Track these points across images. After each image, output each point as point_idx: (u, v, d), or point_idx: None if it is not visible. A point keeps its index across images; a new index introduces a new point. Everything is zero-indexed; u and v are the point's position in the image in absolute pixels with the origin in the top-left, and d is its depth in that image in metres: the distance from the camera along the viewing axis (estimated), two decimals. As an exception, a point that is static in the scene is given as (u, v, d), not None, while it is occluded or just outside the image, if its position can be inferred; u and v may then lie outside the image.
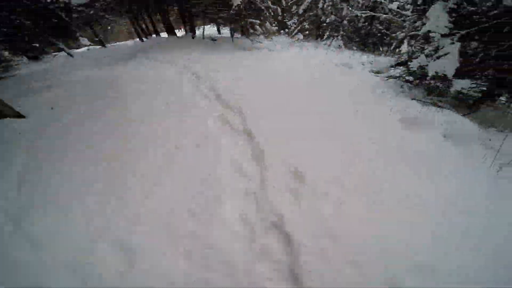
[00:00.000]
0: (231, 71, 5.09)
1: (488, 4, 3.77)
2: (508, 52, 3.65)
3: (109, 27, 17.93)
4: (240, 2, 7.82)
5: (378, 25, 15.81)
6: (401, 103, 3.79)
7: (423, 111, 3.52)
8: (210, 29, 14.84)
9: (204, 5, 8.95)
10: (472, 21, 4.11)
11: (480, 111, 4.22)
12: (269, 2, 13.36)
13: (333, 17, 14.46)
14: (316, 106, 3.44)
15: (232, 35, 9.41)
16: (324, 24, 15.02)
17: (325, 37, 15.28)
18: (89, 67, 8.25)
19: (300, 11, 16.91)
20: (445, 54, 3.66)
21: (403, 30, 6.21)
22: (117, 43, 17.53)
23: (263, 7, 8.36)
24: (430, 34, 3.88)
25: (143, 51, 9.21)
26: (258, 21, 8.25)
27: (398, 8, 11.53)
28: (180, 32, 16.80)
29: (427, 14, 3.91)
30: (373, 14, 13.42)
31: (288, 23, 16.95)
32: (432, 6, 3.94)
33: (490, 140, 3.07)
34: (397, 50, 9.81)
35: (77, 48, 13.49)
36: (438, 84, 4.11)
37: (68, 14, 9.74)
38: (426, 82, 4.24)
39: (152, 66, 6.81)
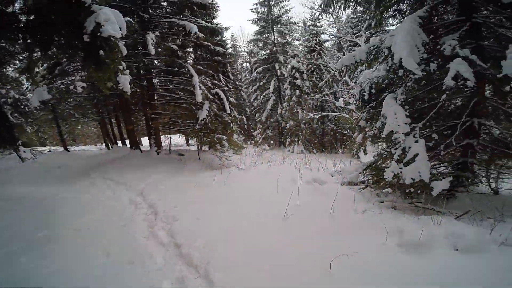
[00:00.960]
0: (198, 203, 4.44)
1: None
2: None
3: (79, 126, 17.66)
4: (206, 115, 8.03)
5: (329, 123, 17.88)
6: (389, 221, 3.33)
7: (415, 225, 3.08)
8: (179, 139, 15.15)
9: (169, 117, 9.14)
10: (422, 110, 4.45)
11: (456, 199, 4.12)
12: (235, 113, 14.66)
13: (291, 122, 16.10)
14: (305, 260, 2.65)
15: (199, 152, 9.21)
16: (285, 130, 16.53)
17: (287, 143, 16.53)
18: (33, 179, 7.12)
19: (263, 118, 18.81)
20: (415, 156, 3.60)
21: (360, 130, 6.49)
22: (82, 147, 16.88)
23: (229, 120, 8.76)
24: (392, 136, 3.92)
25: (103, 165, 8.51)
26: (225, 137, 8.35)
27: (345, 104, 12.87)
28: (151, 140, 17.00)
29: (383, 112, 4.00)
30: (324, 114, 15.23)
31: (254, 133, 18.47)
32: (385, 101, 4.07)
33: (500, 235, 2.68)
34: (357, 153, 10.47)
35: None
36: (418, 191, 3.89)
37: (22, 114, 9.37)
38: (406, 191, 4.02)
39: (105, 189, 5.98)
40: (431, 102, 4.40)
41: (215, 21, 10.75)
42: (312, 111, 15.69)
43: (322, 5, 5.03)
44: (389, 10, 4.95)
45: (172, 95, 8.92)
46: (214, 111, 8.48)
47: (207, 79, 10.23)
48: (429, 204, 3.81)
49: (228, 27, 10.31)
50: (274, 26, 18.95)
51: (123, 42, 6.34)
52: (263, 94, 18.92)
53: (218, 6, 9.29)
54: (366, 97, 5.14)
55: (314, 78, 16.63)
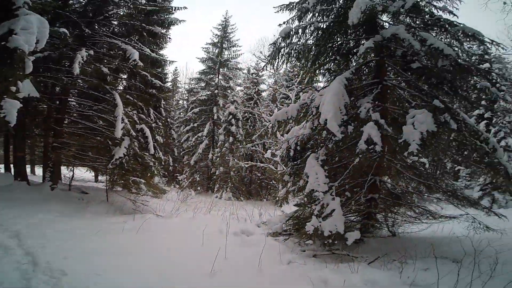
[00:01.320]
0: (100, 254, 3.48)
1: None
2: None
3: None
4: (124, 154, 7.06)
5: (256, 172, 18.41)
6: (313, 272, 3.39)
7: (336, 275, 3.23)
8: (86, 174, 12.76)
9: (77, 148, 7.64)
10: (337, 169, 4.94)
11: (365, 243, 4.54)
12: (161, 153, 13.61)
13: (221, 168, 15.94)
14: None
15: (107, 193, 7.57)
16: (215, 176, 16.12)
17: (215, 189, 16.01)
18: None
19: (192, 162, 18.04)
20: (332, 211, 3.90)
21: (283, 184, 6.77)
22: None
23: (151, 163, 7.92)
24: (313, 194, 4.16)
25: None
26: (143, 180, 7.38)
27: (272, 156, 13.50)
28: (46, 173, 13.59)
29: (306, 171, 4.28)
30: (253, 163, 15.71)
31: (180, 177, 17.30)
32: (308, 161, 4.39)
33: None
34: (280, 203, 10.77)
35: None
36: (335, 242, 4.09)
37: None
38: (325, 242, 4.21)
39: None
40: (344, 161, 4.93)
41: (162, 51, 10.51)
42: (243, 160, 16.02)
43: (269, 57, 5.37)
44: (321, 68, 5.69)
45: (87, 124, 7.63)
46: (134, 150, 7.61)
47: (134, 112, 9.44)
48: (345, 251, 4.08)
49: (172, 61, 10.02)
50: (221, 69, 19.43)
51: (40, 56, 5.36)
52: (196, 136, 18.53)
53: (170, 38, 9.22)
54: (291, 154, 5.44)
55: (248, 126, 17.41)
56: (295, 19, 5.46)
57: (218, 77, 19.12)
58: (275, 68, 6.10)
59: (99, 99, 7.79)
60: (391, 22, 5.21)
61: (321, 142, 4.66)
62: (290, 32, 5.27)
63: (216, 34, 19.74)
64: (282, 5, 5.46)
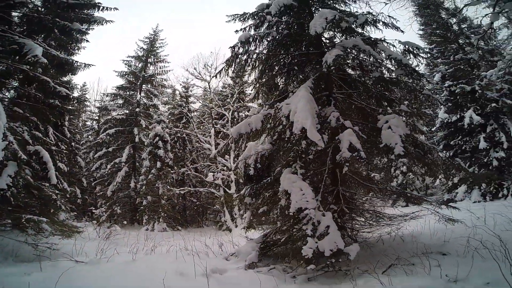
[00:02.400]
0: None
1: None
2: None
3: None
4: (8, 185, 4.92)
5: (192, 198, 16.53)
6: None
7: None
8: None
9: None
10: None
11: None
12: (65, 184, 10.44)
13: (149, 197, 13.50)
14: None
15: None
16: (142, 207, 13.39)
17: (144, 221, 13.27)
18: None
19: (109, 193, 14.69)
20: (327, 228, 3.61)
21: (245, 207, 5.86)
22: None
23: (53, 195, 5.69)
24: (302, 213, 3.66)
25: None
26: (44, 219, 5.16)
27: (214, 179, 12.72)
28: None
29: (285, 188, 3.83)
30: (190, 189, 13.96)
31: (96, 210, 13.61)
32: (284, 177, 3.92)
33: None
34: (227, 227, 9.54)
35: None
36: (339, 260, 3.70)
37: None
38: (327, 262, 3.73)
39: None
40: (317, 173, 4.57)
41: (75, 58, 8.08)
42: (176, 186, 14.08)
43: (226, 62, 4.92)
44: (275, 79, 5.42)
45: None
46: (26, 179, 5.44)
47: (25, 129, 6.86)
48: (336, 267, 3.72)
49: (89, 64, 7.33)
50: (144, 85, 17.09)
51: None
52: (112, 163, 15.38)
53: (87, 41, 7.16)
54: (251, 172, 4.88)
55: (176, 149, 15.67)
56: (251, 28, 5.22)
57: (140, 93, 16.71)
58: (228, 74, 5.42)
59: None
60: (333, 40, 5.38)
61: (299, 155, 4.05)
62: (250, 38, 4.94)
63: (142, 47, 17.64)
64: (235, 14, 5.28)
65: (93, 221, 12.92)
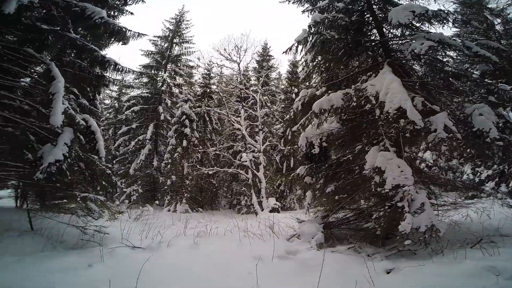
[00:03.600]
0: None
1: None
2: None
3: None
4: (65, 156, 4.51)
5: (212, 180, 16.26)
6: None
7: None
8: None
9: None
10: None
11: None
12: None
13: (174, 177, 13.44)
14: None
15: (30, 218, 4.77)
16: (165, 187, 13.33)
17: (166, 201, 13.23)
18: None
19: (132, 171, 14.56)
20: (422, 205, 3.66)
21: (305, 187, 5.75)
22: None
23: (108, 171, 5.54)
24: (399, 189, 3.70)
25: None
26: (101, 197, 4.94)
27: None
28: None
29: (378, 165, 3.74)
30: (220, 169, 13.79)
31: (126, 190, 13.54)
32: (377, 154, 3.89)
33: None
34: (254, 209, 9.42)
35: None
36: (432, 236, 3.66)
37: None
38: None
39: None
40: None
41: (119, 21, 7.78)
42: (207, 166, 13.97)
43: (297, 41, 4.88)
44: (342, 61, 5.36)
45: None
46: (76, 151, 5.06)
47: (72, 97, 6.67)
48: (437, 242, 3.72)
49: (142, 33, 6.63)
50: (169, 65, 16.85)
51: None
52: (136, 140, 15.33)
53: (131, 13, 6.80)
54: (315, 151, 4.83)
55: (202, 129, 15.44)
56: (315, 10, 5.38)
57: (165, 73, 16.49)
58: (298, 52, 5.26)
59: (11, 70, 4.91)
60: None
61: (386, 133, 3.94)
62: (324, 19, 4.82)
63: (168, 28, 17.32)
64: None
65: (114, 201, 12.68)
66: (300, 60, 6.01)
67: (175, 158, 13.21)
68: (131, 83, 16.75)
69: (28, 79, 5.50)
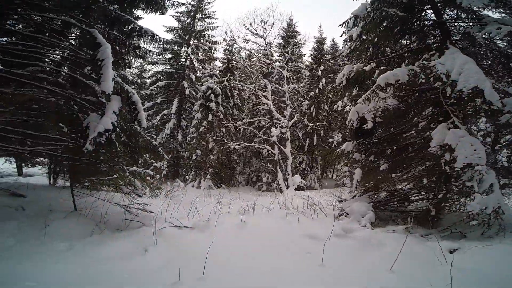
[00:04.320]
0: None
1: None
2: None
3: None
4: (114, 125, 4.24)
5: (234, 156, 16.41)
6: None
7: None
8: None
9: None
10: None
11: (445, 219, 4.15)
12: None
13: (198, 152, 13.56)
14: None
15: (74, 197, 4.59)
16: (190, 162, 13.55)
17: (190, 177, 13.49)
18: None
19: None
20: (491, 186, 3.58)
21: (352, 163, 5.70)
22: None
23: (154, 142, 5.49)
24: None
25: None
26: (150, 172, 4.76)
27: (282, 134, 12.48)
28: None
29: (448, 142, 3.61)
30: (247, 144, 13.82)
31: (157, 164, 13.81)
32: (446, 132, 3.75)
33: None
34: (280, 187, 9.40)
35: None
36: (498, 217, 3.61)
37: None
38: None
39: None
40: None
41: None
42: (231, 141, 14.00)
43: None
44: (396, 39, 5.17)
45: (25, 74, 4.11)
46: (120, 122, 4.76)
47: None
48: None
49: (181, 2, 6.36)
50: (192, 40, 16.66)
51: None
52: (161, 114, 15.48)
53: None
54: (368, 126, 4.69)
55: (226, 103, 15.34)
56: None
57: (188, 49, 16.19)
58: (354, 27, 5.19)
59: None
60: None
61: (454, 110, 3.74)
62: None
63: (190, 3, 16.82)
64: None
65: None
66: (342, 35, 5.51)
67: (201, 132, 13.29)
68: (155, 59, 16.59)
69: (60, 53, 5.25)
